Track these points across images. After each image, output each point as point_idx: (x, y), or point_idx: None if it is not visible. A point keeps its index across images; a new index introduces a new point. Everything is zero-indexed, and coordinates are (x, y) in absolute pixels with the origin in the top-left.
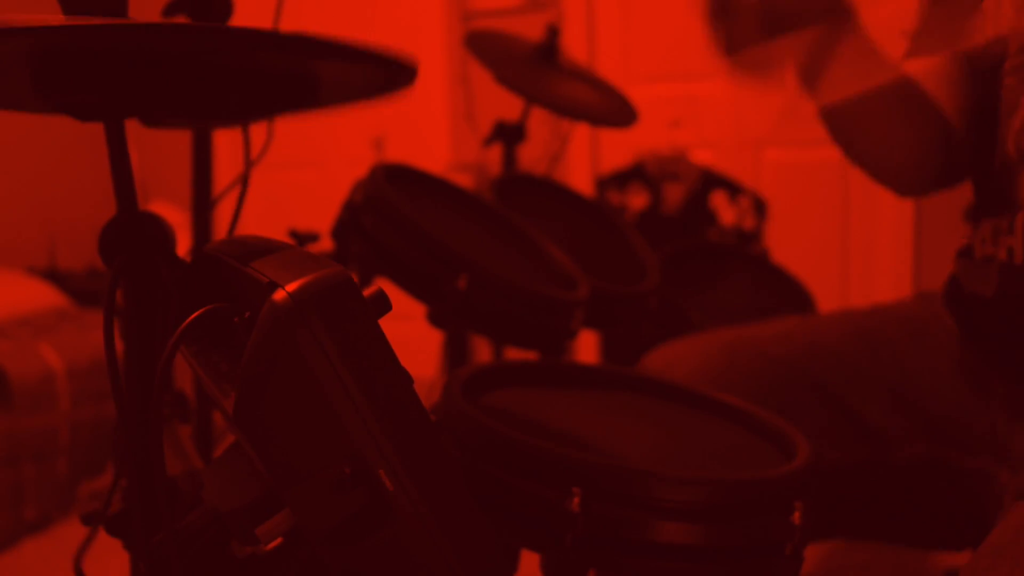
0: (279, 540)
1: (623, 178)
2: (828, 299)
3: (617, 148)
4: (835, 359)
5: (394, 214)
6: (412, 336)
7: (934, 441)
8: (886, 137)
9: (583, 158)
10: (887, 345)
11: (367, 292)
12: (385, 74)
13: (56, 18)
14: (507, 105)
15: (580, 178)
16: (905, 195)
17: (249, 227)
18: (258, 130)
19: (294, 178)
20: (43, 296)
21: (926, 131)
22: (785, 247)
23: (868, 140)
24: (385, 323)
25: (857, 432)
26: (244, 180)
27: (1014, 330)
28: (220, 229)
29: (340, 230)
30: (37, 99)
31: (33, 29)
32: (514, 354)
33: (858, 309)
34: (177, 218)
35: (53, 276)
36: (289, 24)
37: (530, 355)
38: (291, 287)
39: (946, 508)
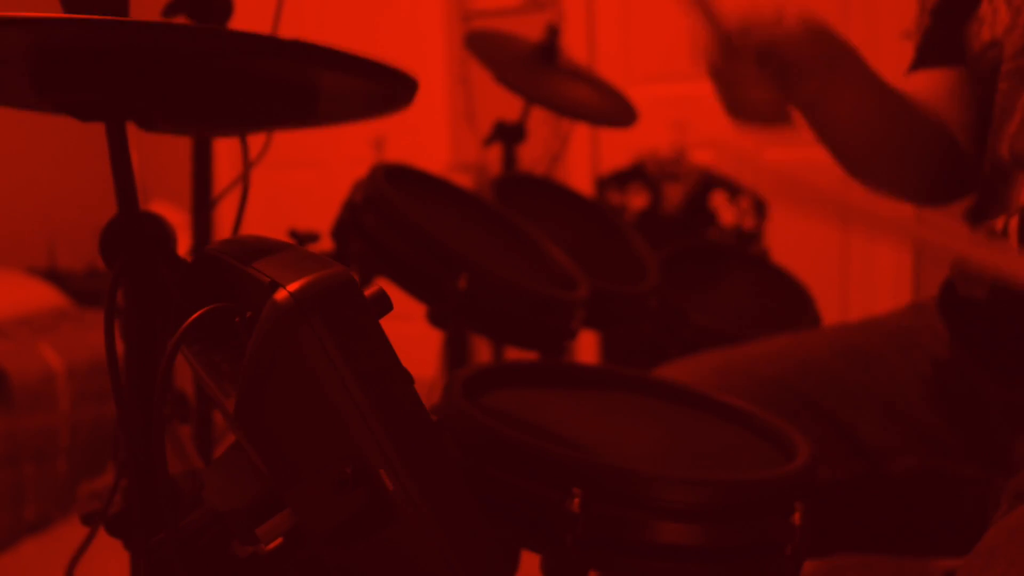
0: (279, 540)
1: (623, 178)
2: (828, 300)
3: (617, 148)
4: (826, 376)
5: (394, 214)
6: (412, 336)
7: (929, 452)
8: (893, 162)
9: (583, 158)
10: (879, 359)
11: (367, 292)
12: (384, 87)
13: (56, 14)
14: (507, 105)
15: (580, 178)
16: (911, 203)
17: (249, 227)
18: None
19: (294, 178)
20: (43, 296)
21: (933, 154)
22: (785, 247)
23: (875, 167)
24: (385, 323)
25: (851, 447)
26: (245, 180)
27: (1006, 334)
28: (220, 229)
29: (340, 230)
30: (37, 97)
31: (33, 21)
32: (514, 354)
33: (849, 324)
34: (177, 218)
35: (53, 276)
36: (290, 25)
37: (530, 355)
38: (292, 287)
39: (944, 518)
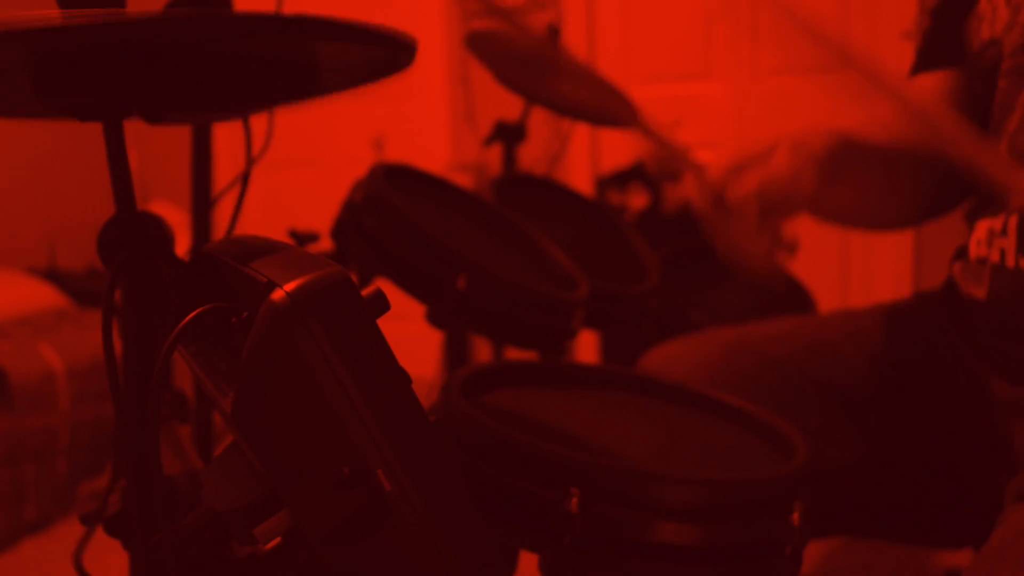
0: (278, 540)
1: (623, 178)
2: (828, 299)
3: (617, 148)
4: (834, 359)
5: (394, 214)
6: (412, 336)
7: (933, 440)
8: (893, 216)
9: (583, 158)
10: (886, 345)
11: (366, 292)
12: (384, 54)
13: (53, 12)
14: (507, 105)
15: (580, 178)
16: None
17: (249, 227)
18: (258, 129)
19: (294, 178)
20: (43, 296)
21: (932, 190)
22: None
23: (872, 224)
24: (385, 323)
25: (856, 431)
26: (244, 180)
27: (1007, 332)
28: (220, 229)
29: (340, 230)
30: (37, 102)
31: (31, 30)
32: (514, 354)
33: (857, 309)
34: (177, 218)
35: (53, 276)
36: None
37: (530, 355)
38: (289, 287)
39: (945, 507)
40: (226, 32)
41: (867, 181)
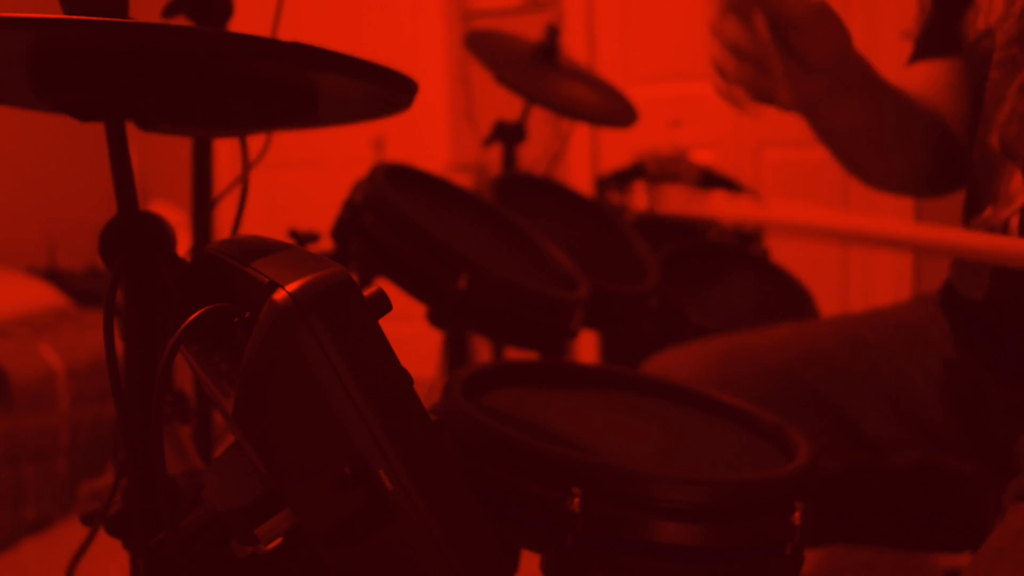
0: (279, 540)
1: (623, 178)
2: (828, 300)
3: (617, 148)
4: (831, 366)
5: (394, 214)
6: (412, 336)
7: (931, 446)
8: (893, 162)
9: (583, 158)
10: (883, 351)
11: (367, 292)
12: (384, 89)
13: (56, 15)
14: (507, 105)
15: (580, 178)
16: (911, 196)
17: (249, 227)
18: None
19: (294, 178)
20: (43, 296)
21: (932, 149)
22: (785, 247)
23: (871, 160)
24: (385, 323)
25: (854, 438)
26: (244, 181)
27: (1006, 335)
28: (220, 229)
29: (340, 230)
30: (37, 97)
31: (33, 22)
32: (514, 354)
33: (854, 315)
34: (177, 218)
35: (53, 276)
36: (290, 24)
37: (530, 355)
38: (291, 287)
39: (943, 513)
40: (219, 50)
41: (867, 106)
